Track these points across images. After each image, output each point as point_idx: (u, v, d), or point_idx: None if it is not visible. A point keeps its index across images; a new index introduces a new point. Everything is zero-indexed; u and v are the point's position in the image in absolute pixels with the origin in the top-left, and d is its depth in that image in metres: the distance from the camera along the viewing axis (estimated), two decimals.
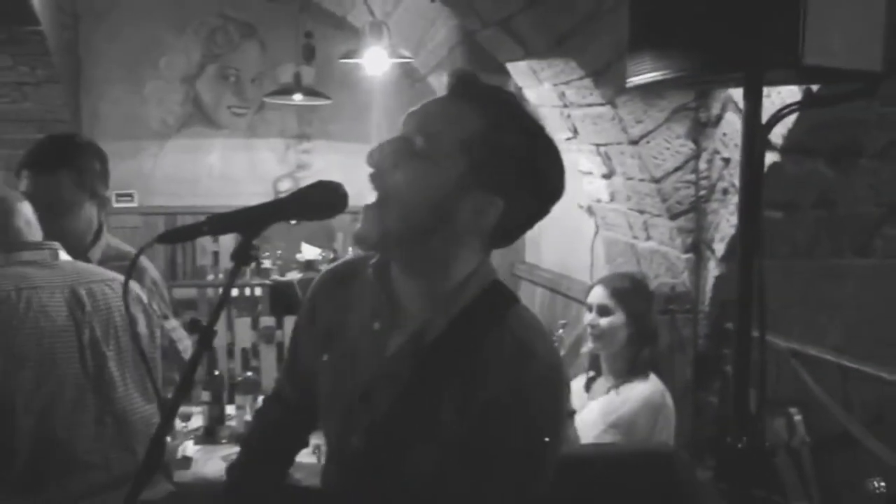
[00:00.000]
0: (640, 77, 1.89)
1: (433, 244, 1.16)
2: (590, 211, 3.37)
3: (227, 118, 6.42)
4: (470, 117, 1.13)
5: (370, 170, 1.15)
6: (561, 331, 3.21)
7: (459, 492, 1.12)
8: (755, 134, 1.73)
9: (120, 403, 1.85)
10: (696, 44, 1.72)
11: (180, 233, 1.14)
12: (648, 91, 2.51)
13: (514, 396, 1.10)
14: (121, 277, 1.93)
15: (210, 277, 5.59)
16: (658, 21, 1.83)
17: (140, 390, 1.86)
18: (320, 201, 1.16)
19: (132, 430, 1.85)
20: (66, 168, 2.20)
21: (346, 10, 4.45)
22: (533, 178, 1.16)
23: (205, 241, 6.17)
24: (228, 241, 6.11)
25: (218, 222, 1.13)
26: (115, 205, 6.05)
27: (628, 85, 1.94)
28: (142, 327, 1.91)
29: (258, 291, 5.03)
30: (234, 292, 4.96)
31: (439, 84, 4.40)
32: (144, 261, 2.34)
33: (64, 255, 1.88)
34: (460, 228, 1.15)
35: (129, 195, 6.13)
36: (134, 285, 1.98)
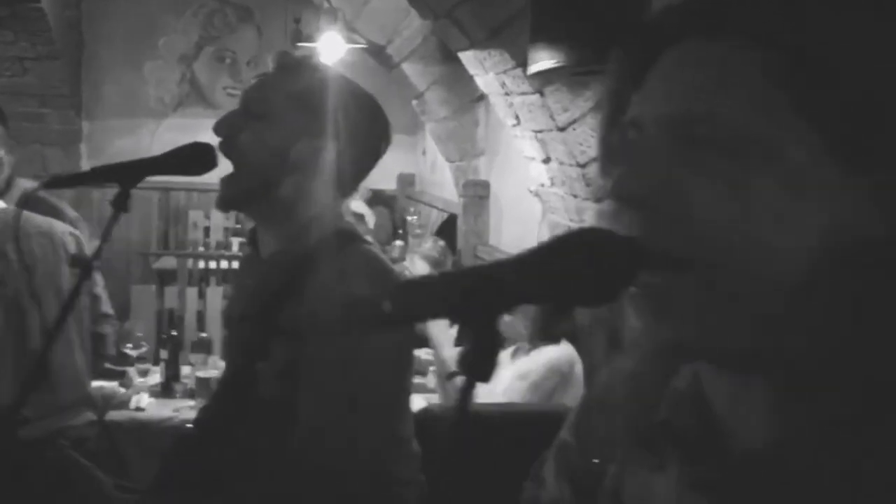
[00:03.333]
0: (536, 65, 2.09)
1: (281, 192, 1.35)
2: (537, 195, 3.55)
3: (222, 99, 6.63)
4: (294, 79, 1.36)
5: (218, 139, 1.35)
6: None
7: (301, 413, 1.26)
8: None
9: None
10: (578, 39, 1.92)
11: (66, 180, 1.36)
12: (541, 77, 2.64)
13: (332, 314, 1.22)
14: (53, 228, 2.12)
15: (200, 249, 5.82)
16: (551, 18, 2.02)
17: (64, 341, 2.03)
18: (190, 159, 1.37)
19: (55, 378, 2.01)
20: None
21: None
22: (357, 121, 1.37)
23: (196, 217, 6.40)
24: (219, 219, 6.35)
25: (99, 172, 1.34)
26: None
27: (528, 72, 2.14)
28: (65, 278, 2.09)
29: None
30: (213, 265, 5.17)
31: (413, 71, 4.57)
32: (68, 210, 2.53)
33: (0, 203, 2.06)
34: (303, 171, 1.35)
35: None
36: (63, 232, 2.16)
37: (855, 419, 0.53)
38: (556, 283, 0.55)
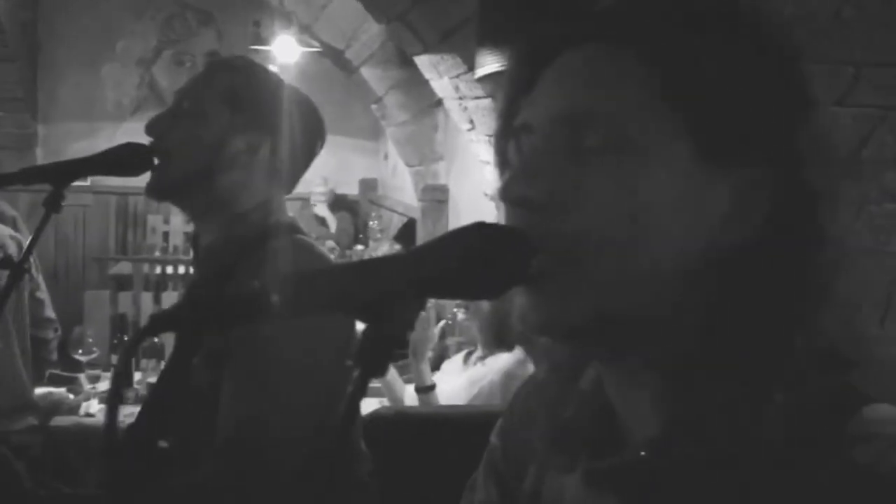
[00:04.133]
0: (483, 69, 2.10)
1: (216, 186, 1.34)
2: (494, 199, 3.56)
3: None
4: (225, 76, 1.36)
5: (150, 139, 1.34)
6: (456, 310, 3.41)
7: (224, 405, 1.23)
8: None
9: None
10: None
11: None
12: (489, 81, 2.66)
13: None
14: None
15: (157, 254, 5.75)
16: (498, 21, 2.04)
17: (3, 346, 2.01)
18: (124, 160, 1.35)
19: None
20: None
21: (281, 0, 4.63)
22: (291, 118, 1.37)
23: (155, 222, 6.33)
24: (179, 224, 6.29)
25: (31, 173, 1.33)
26: None
27: (476, 76, 2.15)
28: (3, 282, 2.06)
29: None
30: (171, 270, 5.11)
31: (372, 76, 4.58)
32: (7, 209, 2.49)
33: None
34: (238, 167, 1.34)
35: None
36: (3, 235, 2.13)
37: (731, 410, 0.55)
38: (446, 275, 0.56)
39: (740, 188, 0.56)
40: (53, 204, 1.31)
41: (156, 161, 1.34)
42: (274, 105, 1.36)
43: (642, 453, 0.59)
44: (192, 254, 1.48)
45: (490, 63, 2.05)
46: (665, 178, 0.55)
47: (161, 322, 0.54)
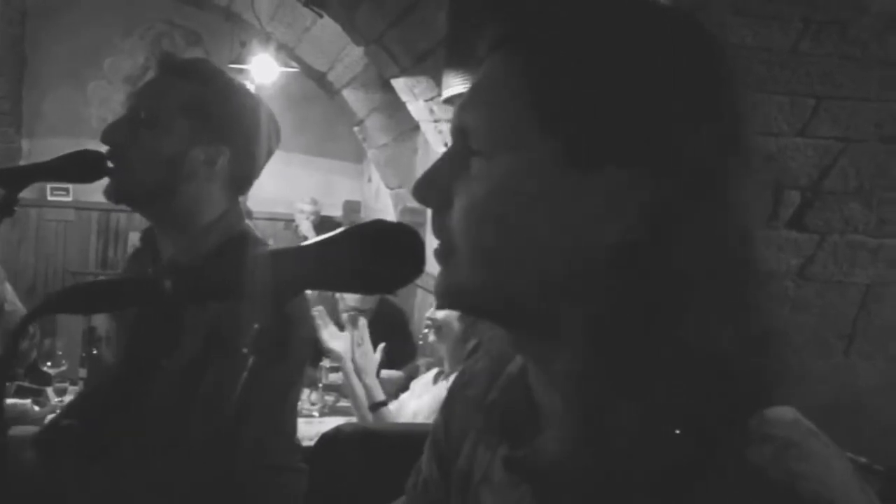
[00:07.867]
0: (449, 90, 2.14)
1: (177, 198, 1.35)
2: None
3: None
4: (182, 84, 1.36)
5: (106, 148, 1.35)
6: (427, 331, 3.41)
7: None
8: None
9: None
10: None
11: None
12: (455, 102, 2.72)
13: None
14: None
15: None
16: (464, 43, 2.08)
17: None
18: (79, 166, 1.37)
19: None
20: None
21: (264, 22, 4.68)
22: (249, 124, 1.38)
23: (136, 238, 6.32)
24: None
25: None
26: (51, 198, 6.19)
27: (442, 98, 2.19)
28: None
29: None
30: None
31: (353, 98, 4.62)
32: None
33: None
34: (198, 179, 1.35)
35: (66, 189, 6.26)
36: None
37: (620, 413, 0.56)
38: (334, 270, 0.59)
39: (611, 190, 0.57)
40: (6, 208, 1.33)
41: (111, 165, 1.36)
42: (232, 113, 1.36)
43: (552, 441, 0.61)
44: (140, 255, 1.47)
45: (456, 84, 2.08)
46: (532, 179, 0.58)
47: (55, 302, 0.56)
